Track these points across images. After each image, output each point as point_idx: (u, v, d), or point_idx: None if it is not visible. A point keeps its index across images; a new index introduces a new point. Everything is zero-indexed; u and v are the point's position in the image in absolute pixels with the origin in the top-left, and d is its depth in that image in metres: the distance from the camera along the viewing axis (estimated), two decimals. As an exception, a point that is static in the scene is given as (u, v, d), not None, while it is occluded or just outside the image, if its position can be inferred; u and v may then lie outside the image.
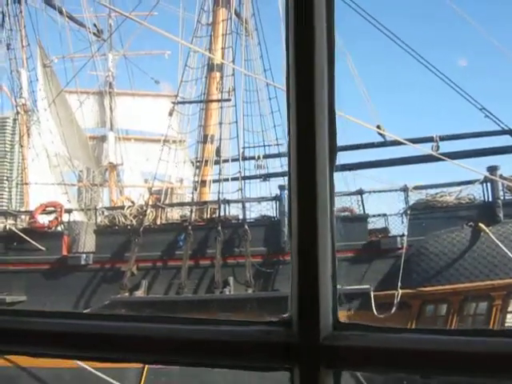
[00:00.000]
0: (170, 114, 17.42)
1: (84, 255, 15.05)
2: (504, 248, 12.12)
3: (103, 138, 32.14)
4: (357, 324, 0.79)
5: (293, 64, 0.83)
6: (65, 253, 15.55)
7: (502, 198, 13.84)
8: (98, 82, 30.22)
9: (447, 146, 16.43)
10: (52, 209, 16.70)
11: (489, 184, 14.07)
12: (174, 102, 17.63)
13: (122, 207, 16.61)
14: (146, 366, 13.88)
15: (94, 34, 27.06)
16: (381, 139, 16.05)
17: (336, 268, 0.81)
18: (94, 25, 27.33)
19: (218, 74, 17.71)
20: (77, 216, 18.38)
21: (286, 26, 0.85)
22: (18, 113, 25.86)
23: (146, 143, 30.70)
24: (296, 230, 0.83)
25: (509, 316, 13.04)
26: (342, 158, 17.60)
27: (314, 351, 0.78)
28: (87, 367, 12.69)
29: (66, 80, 24.96)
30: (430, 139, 16.25)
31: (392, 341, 0.78)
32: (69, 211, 17.18)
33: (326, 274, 0.80)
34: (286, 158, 0.89)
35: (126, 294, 14.45)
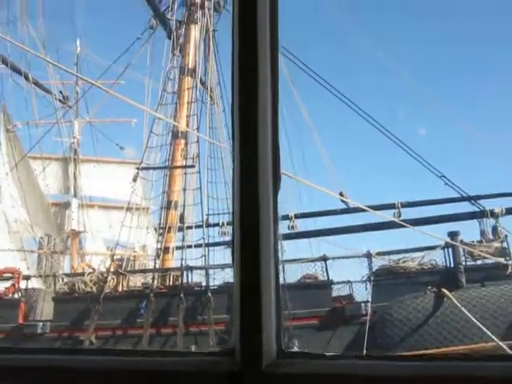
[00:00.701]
0: (134, 180, 17.40)
1: (41, 323, 14.55)
2: (467, 313, 12.17)
3: (66, 205, 31.80)
4: (300, 352, 0.76)
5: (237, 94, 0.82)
6: (21, 321, 15.01)
7: (463, 263, 14.00)
8: (63, 148, 30.18)
9: (409, 213, 16.75)
10: (9, 275, 16.23)
11: (450, 250, 14.26)
12: (138, 168, 17.65)
13: (82, 274, 16.24)
14: None
15: (60, 100, 27.19)
16: (343, 206, 16.28)
17: (280, 296, 0.79)
18: (60, 92, 27.50)
19: (182, 141, 17.87)
20: (35, 283, 17.87)
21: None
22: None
23: (110, 210, 30.47)
24: (238, 259, 0.80)
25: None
26: (306, 224, 17.74)
27: (256, 379, 0.75)
28: None
29: (30, 146, 24.85)
30: (391, 206, 16.54)
31: (334, 367, 0.75)
32: (27, 277, 16.71)
33: (270, 303, 0.77)
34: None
35: (84, 364, 13.93)
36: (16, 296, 15.90)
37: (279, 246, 0.82)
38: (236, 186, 0.79)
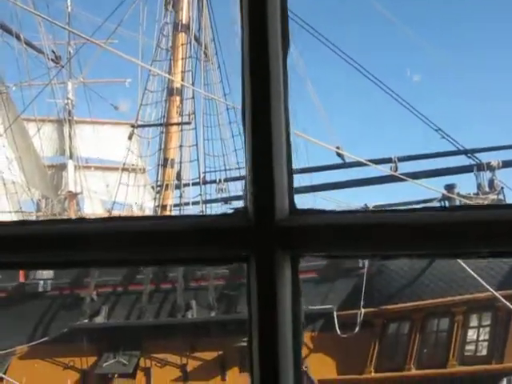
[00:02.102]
0: (130, 138, 17.33)
1: (42, 282, 14.67)
2: (463, 263, 12.31)
3: (62, 167, 31.72)
4: (312, 208, 0.77)
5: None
6: (22, 280, 15.13)
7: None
8: (57, 110, 29.93)
9: (405, 167, 16.80)
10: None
11: (447, 202, 14.34)
12: (133, 126, 17.57)
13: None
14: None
15: (53, 60, 26.85)
16: (340, 160, 16.30)
17: (291, 155, 0.79)
18: (53, 51, 27.13)
19: (177, 98, 17.73)
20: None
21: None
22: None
23: (106, 171, 30.40)
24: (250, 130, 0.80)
25: (470, 332, 13.19)
26: (303, 179, 17.75)
27: (269, 233, 0.76)
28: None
29: (24, 107, 24.63)
30: (388, 160, 16.57)
31: (350, 218, 0.76)
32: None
33: (281, 160, 0.78)
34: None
35: (86, 320, 14.11)
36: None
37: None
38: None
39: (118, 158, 23.47)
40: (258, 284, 0.75)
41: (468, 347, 13.10)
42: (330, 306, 13.47)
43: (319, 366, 13.03)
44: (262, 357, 0.75)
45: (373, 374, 13.12)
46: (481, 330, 13.13)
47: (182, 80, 17.58)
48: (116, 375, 13.77)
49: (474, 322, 13.14)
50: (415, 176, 15.08)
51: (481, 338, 13.12)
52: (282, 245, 0.75)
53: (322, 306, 13.49)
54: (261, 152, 0.76)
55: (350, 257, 0.76)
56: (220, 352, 13.51)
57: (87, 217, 29.64)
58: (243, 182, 18.19)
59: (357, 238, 0.73)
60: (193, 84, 17.73)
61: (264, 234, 0.75)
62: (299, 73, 17.63)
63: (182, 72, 17.58)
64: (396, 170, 16.14)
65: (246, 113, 0.79)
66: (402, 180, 15.33)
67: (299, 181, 16.76)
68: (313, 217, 0.76)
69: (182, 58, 17.67)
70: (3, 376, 13.55)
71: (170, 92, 17.74)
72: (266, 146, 0.76)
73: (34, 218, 27.23)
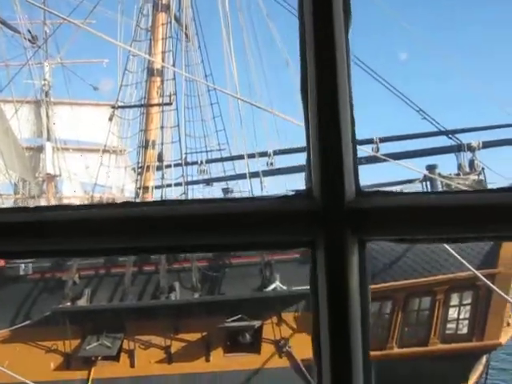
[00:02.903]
0: (110, 119, 17.12)
1: (23, 265, 14.50)
2: (445, 244, 12.45)
3: (40, 149, 31.31)
4: (378, 190, 0.74)
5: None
6: (2, 263, 14.95)
7: (441, 195, 14.22)
8: (34, 91, 29.44)
9: (386, 148, 16.89)
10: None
11: (428, 183, 14.45)
12: (113, 107, 17.34)
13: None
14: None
15: (29, 40, 26.36)
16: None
17: (355, 137, 0.76)
18: (29, 31, 26.62)
19: (158, 79, 17.53)
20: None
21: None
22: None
23: (86, 153, 30.05)
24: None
25: (451, 310, 13.38)
26: (281, 161, 17.75)
27: (339, 216, 0.73)
28: (29, 382, 12.22)
29: (1, 88, 24.18)
30: (370, 141, 16.62)
31: (421, 200, 0.74)
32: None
33: (347, 134, 0.74)
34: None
35: (68, 303, 14.02)
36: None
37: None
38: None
39: (98, 139, 23.22)
40: (327, 270, 0.72)
41: (449, 325, 13.31)
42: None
43: (303, 345, 13.14)
44: (333, 351, 0.72)
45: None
46: (462, 308, 13.34)
47: (163, 61, 17.38)
48: (99, 358, 13.74)
49: (455, 300, 13.34)
50: (397, 157, 15.15)
51: (462, 316, 13.34)
52: (352, 228, 0.72)
53: (305, 286, 13.56)
54: (328, 130, 0.73)
55: (421, 240, 0.73)
56: (204, 333, 13.54)
57: (65, 199, 29.37)
58: (224, 163, 18.13)
59: (428, 221, 0.71)
60: (173, 65, 17.54)
61: (333, 217, 0.72)
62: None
63: (162, 52, 17.36)
64: (378, 151, 16.21)
65: (309, 87, 0.75)
66: (383, 161, 15.39)
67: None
68: (381, 199, 0.73)
69: (162, 39, 17.44)
70: (-16, 360, 13.42)
71: (151, 73, 17.52)
72: (334, 123, 0.73)
73: (11, 200, 26.91)
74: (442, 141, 16.47)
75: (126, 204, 0.81)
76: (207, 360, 13.60)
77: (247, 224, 0.74)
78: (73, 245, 0.80)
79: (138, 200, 16.80)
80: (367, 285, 0.74)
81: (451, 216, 0.71)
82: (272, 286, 13.70)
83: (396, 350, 13.21)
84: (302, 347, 13.00)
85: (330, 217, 0.72)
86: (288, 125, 14.62)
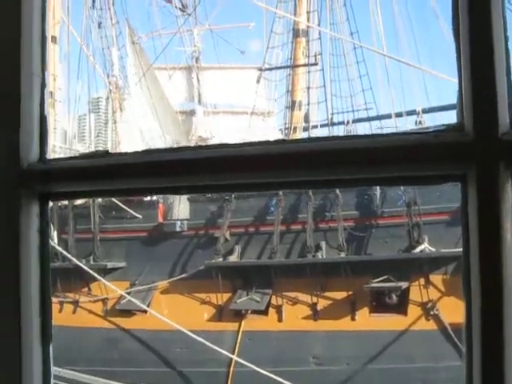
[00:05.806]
0: (258, 82, 17.43)
1: (179, 222, 15.39)
2: None
3: (192, 112, 32.63)
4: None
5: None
6: (161, 220, 15.99)
7: None
8: (185, 57, 30.64)
9: None
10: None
11: None
12: (261, 69, 17.63)
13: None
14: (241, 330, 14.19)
15: (180, 9, 27.38)
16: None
17: (510, 58, 0.74)
18: (180, 0, 27.62)
19: (303, 39, 17.48)
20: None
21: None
22: (110, 90, 26.69)
23: (235, 115, 30.89)
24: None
25: None
26: (430, 120, 17.04)
27: (493, 149, 0.72)
28: (184, 330, 13.11)
29: (155, 57, 25.50)
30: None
31: None
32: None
33: (502, 64, 0.73)
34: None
35: (220, 259, 14.72)
36: (154, 197, 16.85)
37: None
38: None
39: (246, 102, 23.78)
40: (480, 205, 0.72)
41: None
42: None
43: (451, 309, 12.76)
44: (484, 300, 0.71)
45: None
46: None
47: (308, 20, 17.28)
48: (249, 311, 14.32)
49: None
50: None
51: None
52: (506, 161, 0.71)
53: (454, 249, 13.09)
54: (481, 60, 0.72)
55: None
56: (350, 292, 13.60)
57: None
58: (370, 123, 17.80)
59: None
60: (318, 24, 17.40)
61: (487, 149, 0.71)
62: None
63: (307, 12, 17.25)
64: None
65: (461, 17, 0.74)
66: None
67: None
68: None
69: (307, -2, 17.33)
70: (147, 308, 14.55)
71: (296, 33, 17.51)
72: (487, 53, 0.71)
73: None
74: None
75: (279, 142, 0.85)
76: (353, 319, 13.68)
77: (397, 158, 0.76)
78: (231, 179, 0.87)
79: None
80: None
81: None
82: (420, 248, 13.39)
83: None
84: (450, 311, 12.62)
85: (482, 149, 0.72)
86: (437, 82, 13.96)
